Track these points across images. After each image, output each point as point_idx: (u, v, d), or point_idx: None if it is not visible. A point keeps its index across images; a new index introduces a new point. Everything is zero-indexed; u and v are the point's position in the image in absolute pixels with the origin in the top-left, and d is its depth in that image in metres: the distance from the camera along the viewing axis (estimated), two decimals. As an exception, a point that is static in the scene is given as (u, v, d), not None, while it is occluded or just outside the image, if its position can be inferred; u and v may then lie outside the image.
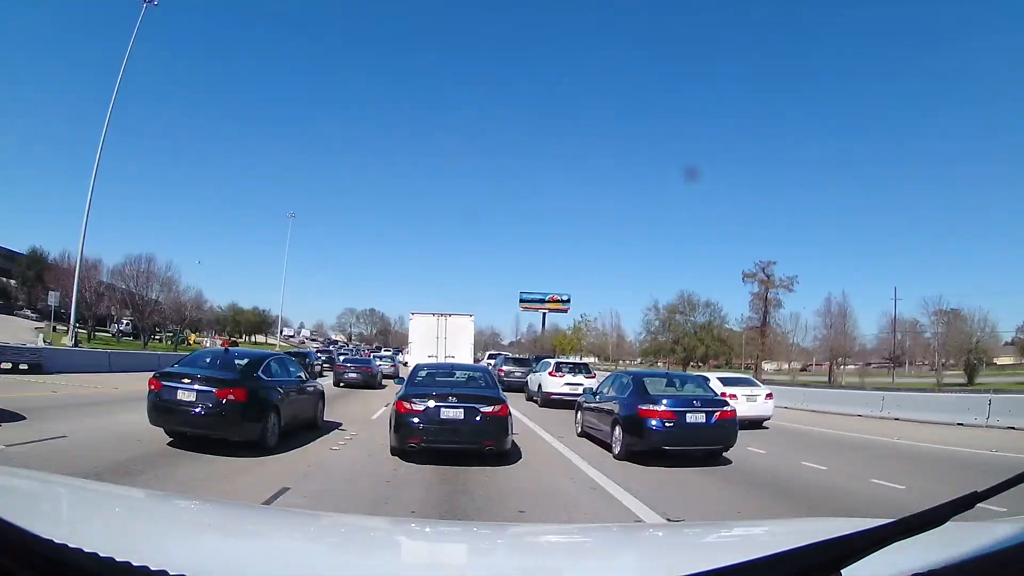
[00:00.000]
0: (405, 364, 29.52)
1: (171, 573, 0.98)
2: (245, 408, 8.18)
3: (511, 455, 9.03)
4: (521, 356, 33.58)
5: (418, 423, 8.25)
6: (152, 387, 8.36)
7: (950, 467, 10.60)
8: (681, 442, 9.32)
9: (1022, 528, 1.61)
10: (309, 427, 10.69)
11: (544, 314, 75.19)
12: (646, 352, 66.70)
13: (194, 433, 8.27)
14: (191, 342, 54.46)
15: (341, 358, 32.81)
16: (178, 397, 8.09)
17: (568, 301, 73.63)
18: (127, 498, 2.21)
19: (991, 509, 1.55)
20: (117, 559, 0.99)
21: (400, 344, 68.15)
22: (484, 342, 68.86)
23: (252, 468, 7.65)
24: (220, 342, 53.94)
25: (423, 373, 10.10)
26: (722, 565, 0.95)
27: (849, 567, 0.93)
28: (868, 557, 0.94)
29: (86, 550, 1.00)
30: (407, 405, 8.35)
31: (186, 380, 8.20)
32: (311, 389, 11.10)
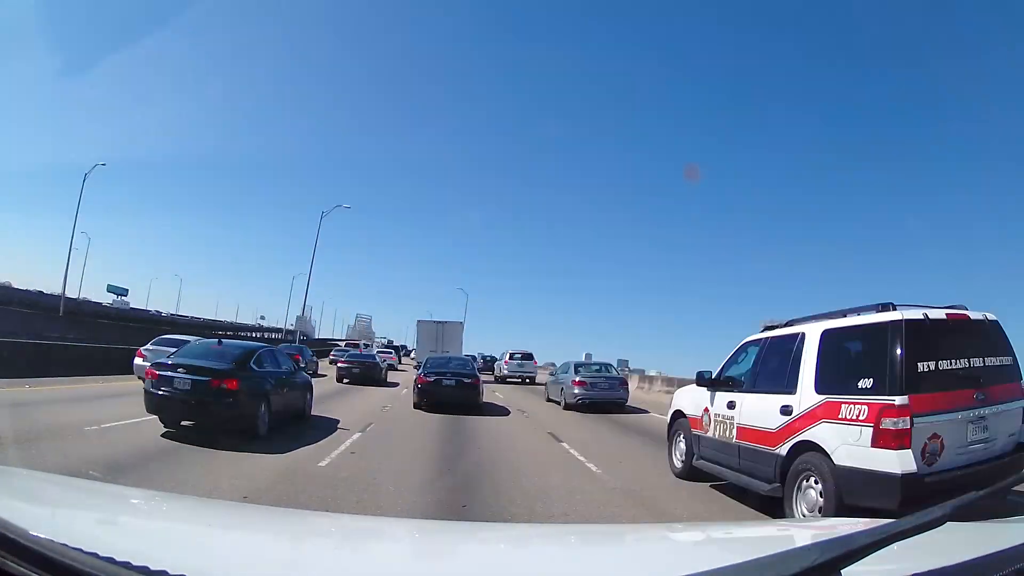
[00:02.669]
0: (412, 357, 40.67)
1: (171, 573, 0.98)
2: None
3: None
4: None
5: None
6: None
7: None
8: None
9: (1022, 528, 1.61)
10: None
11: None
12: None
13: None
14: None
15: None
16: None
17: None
18: (127, 498, 2.20)
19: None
20: (117, 559, 0.99)
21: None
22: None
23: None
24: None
25: (430, 360, 18.00)
26: (722, 565, 0.95)
27: (849, 567, 0.93)
28: (868, 557, 0.94)
29: (86, 550, 1.00)
30: (424, 379, 15.58)
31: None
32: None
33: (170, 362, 9.08)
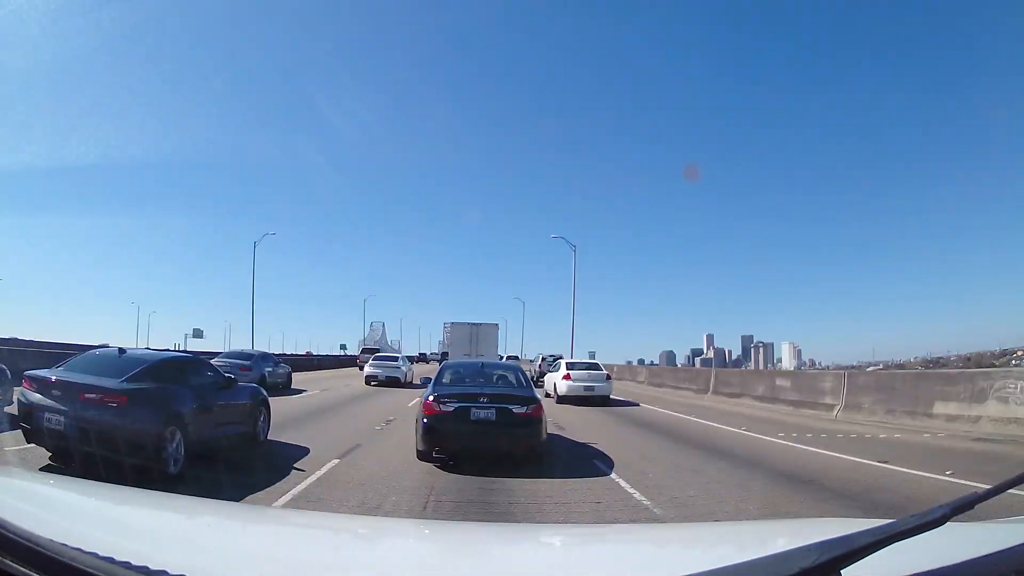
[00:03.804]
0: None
1: (171, 573, 0.98)
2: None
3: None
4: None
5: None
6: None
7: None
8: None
9: (1022, 528, 1.61)
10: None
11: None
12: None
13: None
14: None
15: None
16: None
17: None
18: (127, 498, 2.20)
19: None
20: (117, 559, 0.99)
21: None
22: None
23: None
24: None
25: (448, 368, 11.43)
26: (722, 565, 0.95)
27: (849, 567, 0.93)
28: (868, 557, 0.94)
29: (86, 550, 1.00)
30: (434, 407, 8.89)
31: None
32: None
33: None
